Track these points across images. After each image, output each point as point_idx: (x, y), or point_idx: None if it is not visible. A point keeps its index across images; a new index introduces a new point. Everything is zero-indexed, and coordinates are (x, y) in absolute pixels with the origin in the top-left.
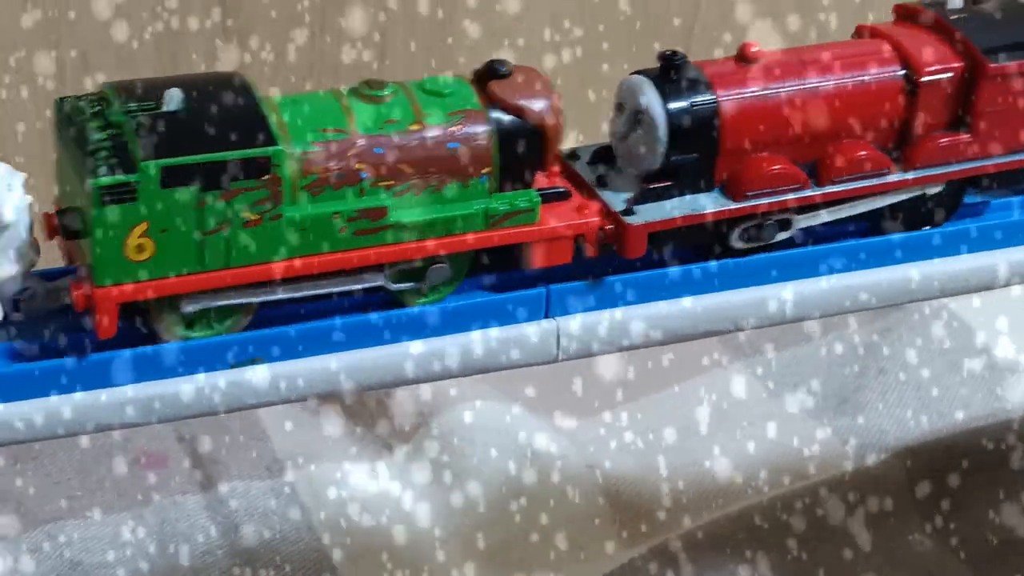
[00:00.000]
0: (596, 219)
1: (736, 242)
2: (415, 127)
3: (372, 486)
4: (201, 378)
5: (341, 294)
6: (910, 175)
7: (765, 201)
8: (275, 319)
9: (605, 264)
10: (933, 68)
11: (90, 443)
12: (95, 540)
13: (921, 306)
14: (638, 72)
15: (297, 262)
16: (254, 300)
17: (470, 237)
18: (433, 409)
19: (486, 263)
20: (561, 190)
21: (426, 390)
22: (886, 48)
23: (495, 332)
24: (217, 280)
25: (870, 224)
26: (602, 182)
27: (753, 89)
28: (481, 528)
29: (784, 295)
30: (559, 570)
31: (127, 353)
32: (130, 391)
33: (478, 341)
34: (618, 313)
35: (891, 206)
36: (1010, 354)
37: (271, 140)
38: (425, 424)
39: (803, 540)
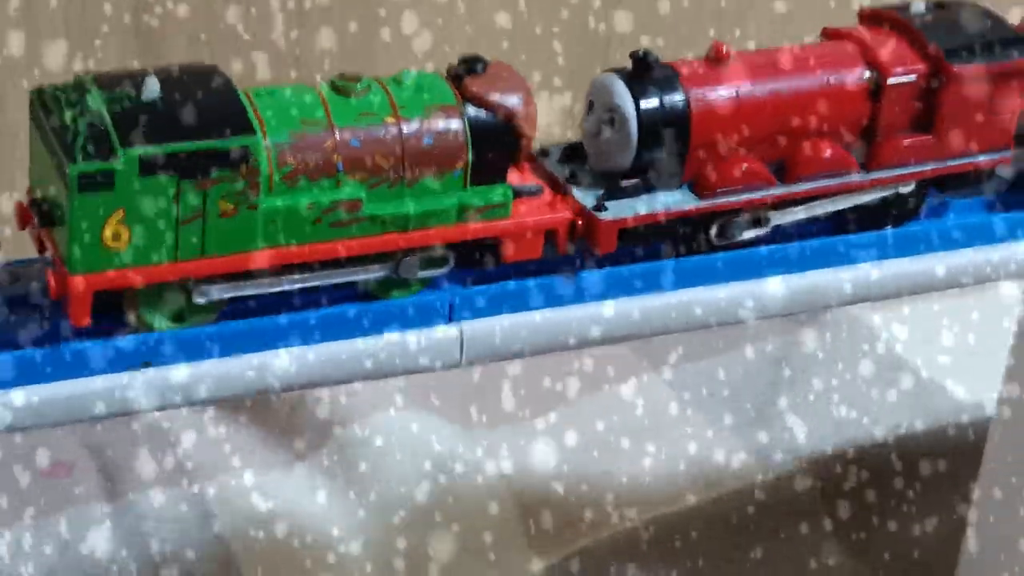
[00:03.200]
0: (568, 215)
1: (715, 238)
2: (391, 120)
3: (282, 495)
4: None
5: (313, 287)
6: (874, 175)
7: (733, 199)
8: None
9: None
10: (899, 70)
11: None
12: None
13: (835, 314)
14: (610, 70)
15: (272, 252)
16: (265, 291)
17: (444, 231)
18: (344, 417)
19: (458, 257)
20: (534, 187)
21: (337, 396)
22: (853, 50)
23: (400, 335)
24: (192, 269)
25: (839, 223)
26: (573, 179)
27: (723, 88)
28: (393, 538)
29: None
30: None
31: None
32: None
33: (382, 344)
34: (524, 316)
35: (861, 205)
36: (924, 365)
37: (249, 130)
38: (335, 432)
39: (715, 553)
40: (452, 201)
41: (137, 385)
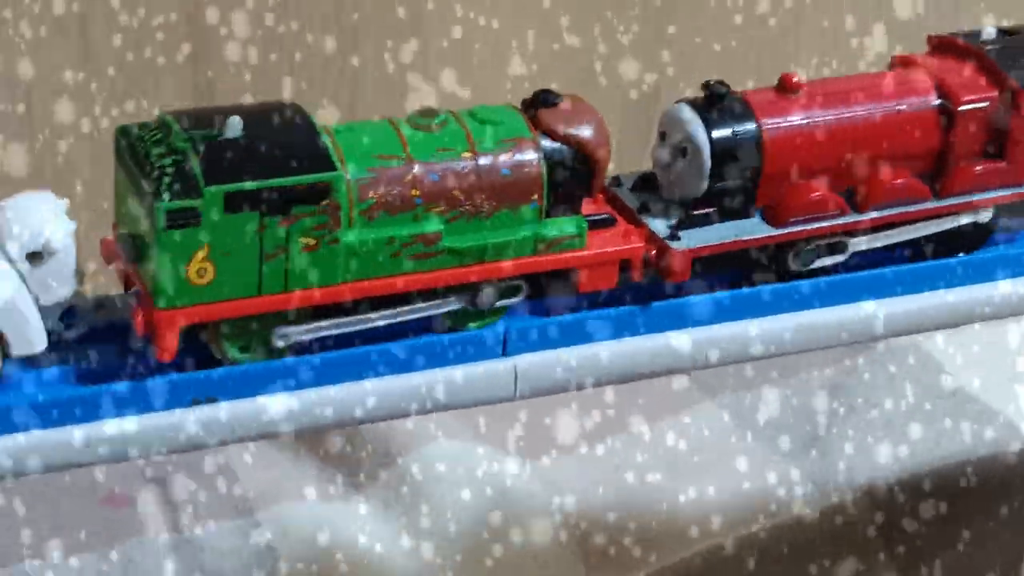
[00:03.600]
0: (641, 245)
1: (792, 266)
2: (467, 154)
3: (340, 526)
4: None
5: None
6: (946, 202)
7: (805, 227)
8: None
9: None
10: (970, 97)
11: (53, 480)
12: None
13: (890, 343)
14: (682, 100)
15: (353, 286)
16: (346, 331)
17: (520, 262)
18: (400, 447)
19: (535, 288)
20: (607, 217)
21: (393, 427)
22: (923, 78)
23: (455, 370)
24: (275, 303)
25: (909, 250)
26: (645, 208)
27: (794, 118)
28: (447, 567)
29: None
30: None
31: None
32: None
33: (438, 378)
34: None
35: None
36: (984, 393)
37: (331, 166)
38: (392, 463)
39: None
40: (528, 233)
41: (206, 419)
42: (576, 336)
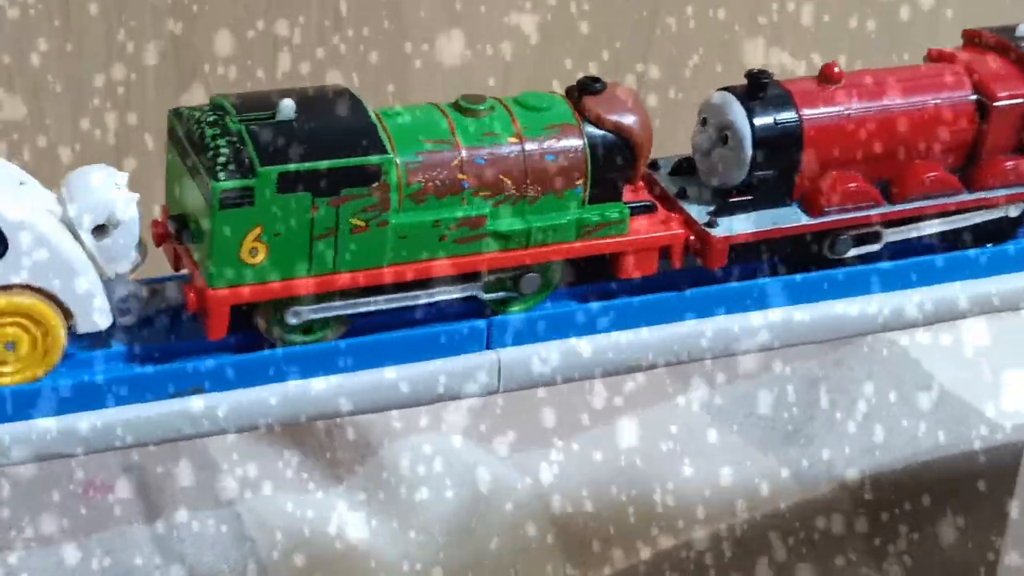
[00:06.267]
0: (682, 231)
1: (830, 252)
2: (514, 140)
3: (319, 517)
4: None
5: (433, 302)
6: (978, 195)
7: (841, 217)
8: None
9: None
10: (1005, 93)
11: (35, 470)
12: (39, 570)
13: (872, 339)
14: (725, 88)
15: (401, 268)
16: (353, 311)
17: (563, 247)
18: (381, 440)
19: (576, 273)
20: (648, 203)
21: (375, 421)
22: (959, 72)
23: (439, 363)
24: (326, 284)
25: (938, 241)
26: (683, 194)
27: (834, 108)
28: (430, 559)
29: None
30: None
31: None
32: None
33: (420, 372)
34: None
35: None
36: (961, 386)
37: (382, 149)
38: (372, 454)
39: (751, 573)
40: (571, 218)
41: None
42: (559, 329)
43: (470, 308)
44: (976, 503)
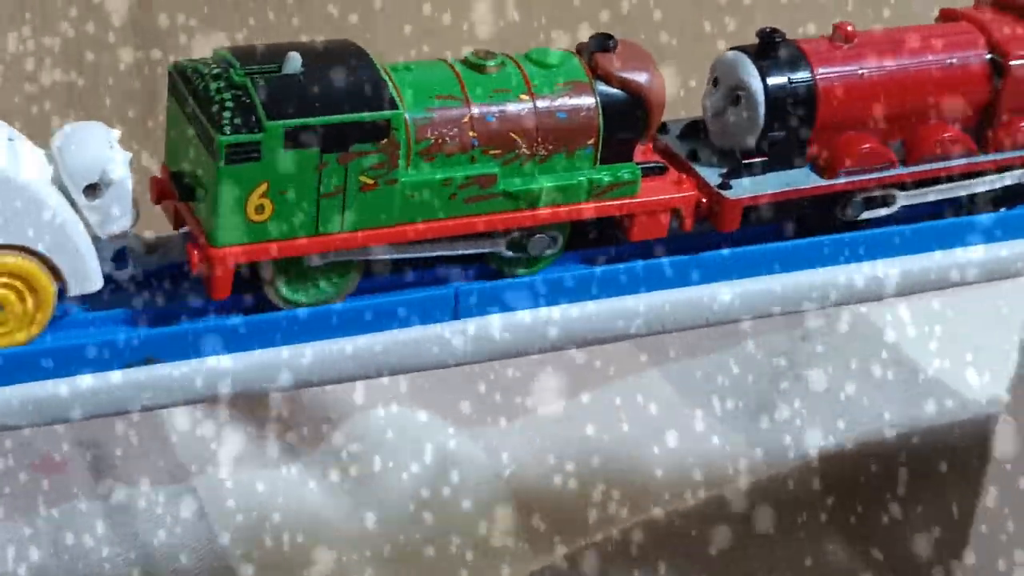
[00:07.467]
0: (694, 193)
1: (843, 215)
2: (524, 97)
3: (276, 491)
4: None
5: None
6: (992, 157)
7: (856, 179)
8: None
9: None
10: (1021, 52)
11: None
12: None
13: (838, 313)
14: (736, 48)
15: (409, 227)
16: (363, 258)
17: (574, 207)
18: (340, 414)
19: (578, 237)
20: (659, 164)
21: (333, 394)
22: (974, 32)
23: (405, 332)
24: (332, 243)
25: (951, 204)
26: (694, 156)
27: (848, 68)
28: (388, 535)
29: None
30: None
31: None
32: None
33: (384, 342)
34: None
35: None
36: (930, 360)
37: (392, 104)
38: (332, 429)
39: (715, 549)
40: (583, 178)
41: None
42: (526, 299)
43: (477, 271)
44: (943, 478)
